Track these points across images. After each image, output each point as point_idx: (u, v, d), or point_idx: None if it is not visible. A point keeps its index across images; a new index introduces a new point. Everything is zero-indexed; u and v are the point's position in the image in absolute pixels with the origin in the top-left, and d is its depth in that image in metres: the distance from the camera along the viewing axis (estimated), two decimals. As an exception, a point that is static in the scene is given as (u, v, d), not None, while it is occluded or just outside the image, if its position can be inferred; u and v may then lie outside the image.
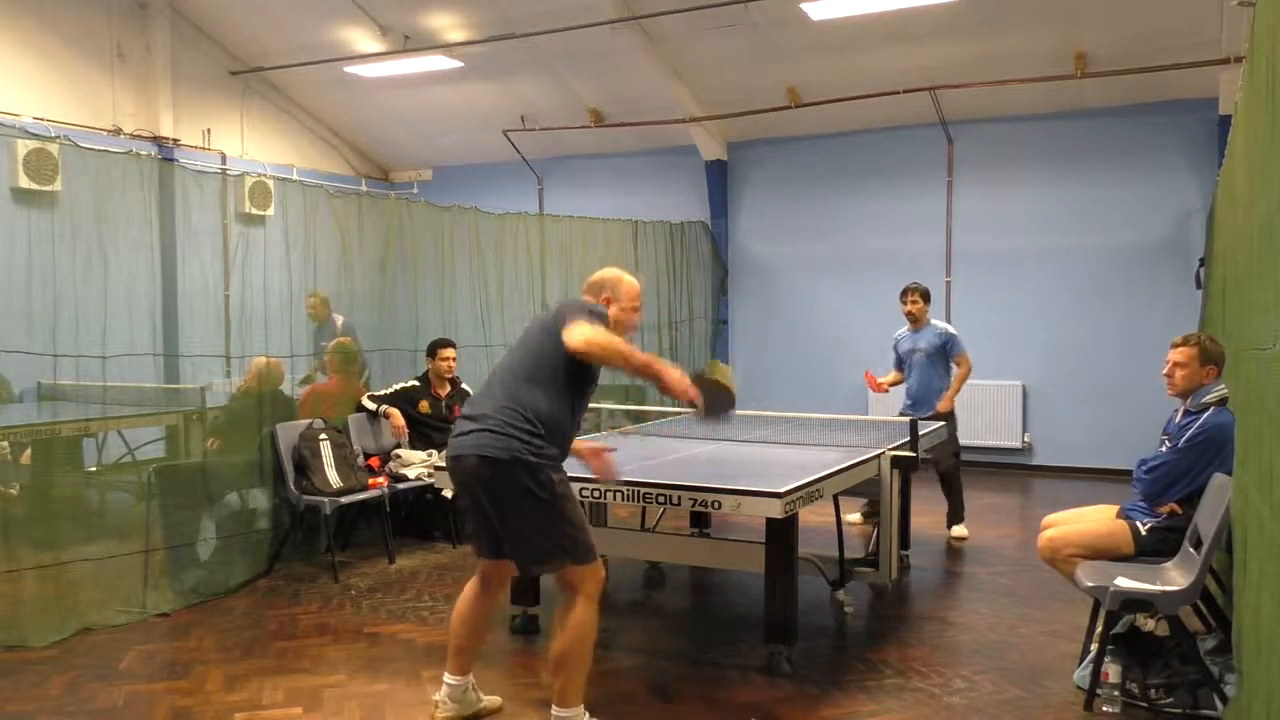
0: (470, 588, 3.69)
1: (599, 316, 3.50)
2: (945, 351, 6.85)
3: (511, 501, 3.39)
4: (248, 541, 5.77)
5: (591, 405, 6.60)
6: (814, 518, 5.64)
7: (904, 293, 6.96)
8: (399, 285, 7.66)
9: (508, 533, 3.46)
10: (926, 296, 6.97)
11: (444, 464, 3.64)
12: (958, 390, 6.83)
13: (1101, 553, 4.19)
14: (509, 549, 3.51)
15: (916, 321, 6.92)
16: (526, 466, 3.36)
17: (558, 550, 3.42)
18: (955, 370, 6.86)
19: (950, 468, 6.77)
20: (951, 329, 6.99)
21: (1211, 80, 8.28)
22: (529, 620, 4.77)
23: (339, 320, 7.50)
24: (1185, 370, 4.22)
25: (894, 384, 7.16)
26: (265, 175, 8.54)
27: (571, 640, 3.41)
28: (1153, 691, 3.78)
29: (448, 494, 6.44)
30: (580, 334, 3.35)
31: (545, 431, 3.42)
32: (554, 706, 3.47)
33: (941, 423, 6.42)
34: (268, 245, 6.77)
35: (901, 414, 6.92)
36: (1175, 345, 4.31)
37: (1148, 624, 3.79)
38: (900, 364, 7.05)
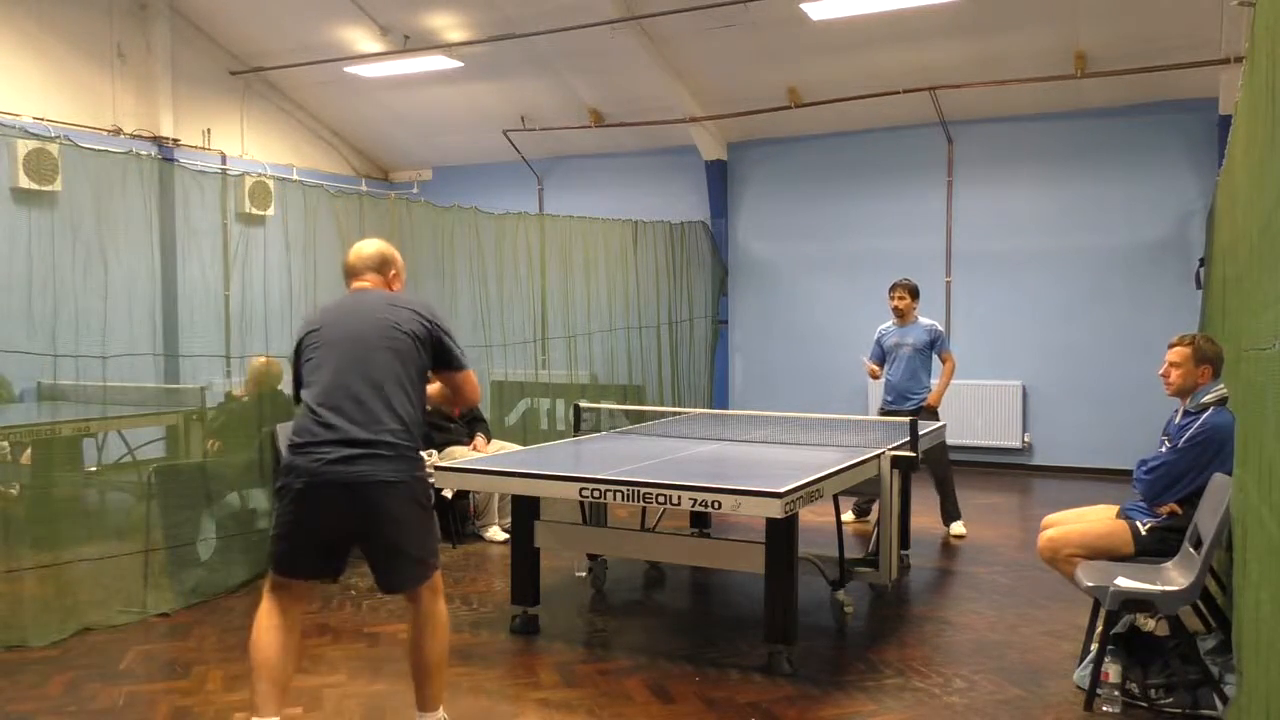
0: (273, 614, 3.26)
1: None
2: (933, 347, 6.94)
3: (404, 522, 3.25)
4: (248, 541, 5.76)
5: (590, 405, 6.66)
6: (814, 518, 5.64)
7: (892, 288, 7.02)
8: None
9: (390, 554, 3.29)
10: (915, 293, 7.00)
11: (321, 480, 3.17)
12: (946, 386, 6.94)
13: (1101, 553, 4.20)
14: (386, 571, 3.33)
15: (903, 317, 6.98)
16: (422, 484, 3.32)
17: (433, 559, 3.37)
18: (942, 366, 6.96)
19: (944, 466, 6.81)
20: (940, 325, 7.08)
21: (1211, 80, 8.27)
22: (529, 620, 4.77)
23: None
24: (1180, 370, 4.24)
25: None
26: (265, 175, 8.53)
27: (444, 641, 3.34)
28: (1153, 691, 3.78)
29: (448, 494, 6.44)
30: (476, 392, 3.63)
31: (420, 442, 3.36)
32: (423, 713, 3.34)
33: (943, 422, 6.44)
34: (268, 245, 6.78)
35: (883, 409, 7.04)
36: (1172, 345, 4.33)
37: (1148, 624, 3.78)
38: (882, 358, 7.08)
